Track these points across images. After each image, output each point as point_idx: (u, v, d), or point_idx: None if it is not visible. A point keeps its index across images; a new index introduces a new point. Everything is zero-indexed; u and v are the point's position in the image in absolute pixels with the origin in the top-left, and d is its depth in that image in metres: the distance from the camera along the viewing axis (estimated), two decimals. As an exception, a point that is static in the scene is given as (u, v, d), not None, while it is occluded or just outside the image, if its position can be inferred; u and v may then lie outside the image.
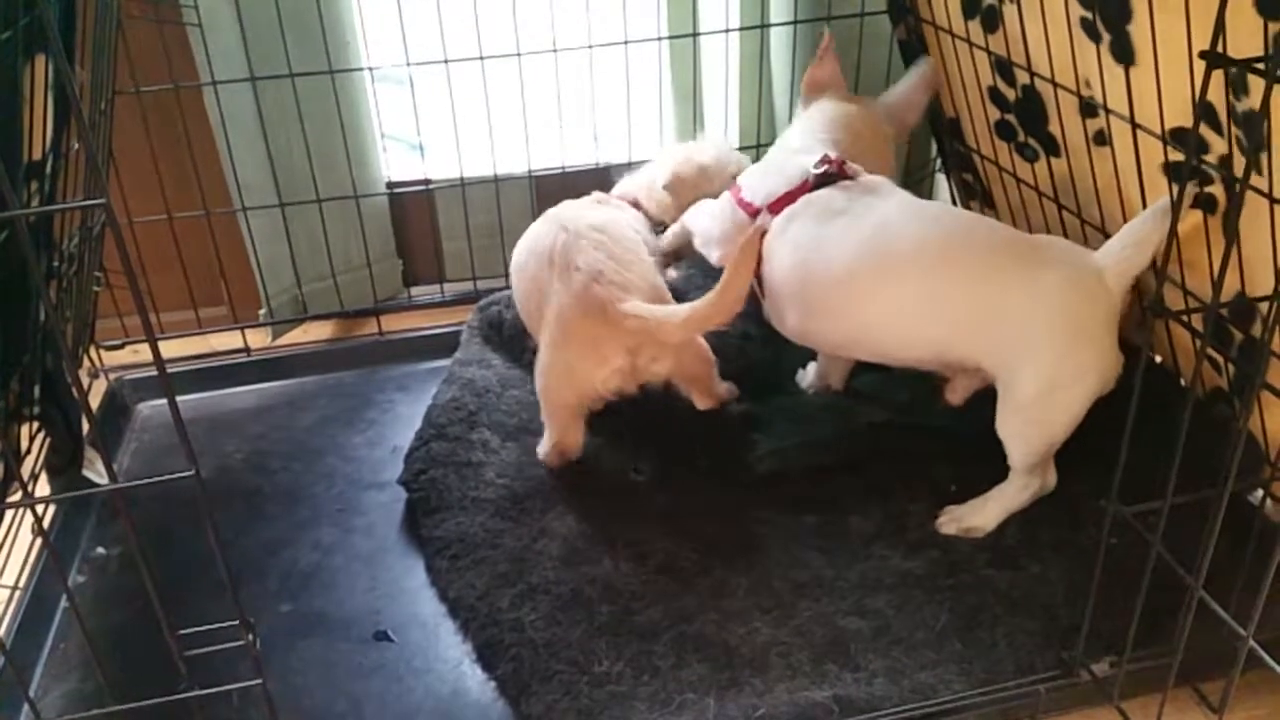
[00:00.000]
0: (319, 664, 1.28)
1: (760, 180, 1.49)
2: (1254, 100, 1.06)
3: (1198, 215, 1.24)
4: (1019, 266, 1.28)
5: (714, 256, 1.56)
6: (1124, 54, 1.22)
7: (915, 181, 2.22)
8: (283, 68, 1.79)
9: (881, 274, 1.33)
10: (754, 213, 1.46)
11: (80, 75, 1.37)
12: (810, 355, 1.67)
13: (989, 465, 1.40)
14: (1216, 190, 1.23)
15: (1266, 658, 0.91)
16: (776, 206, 1.43)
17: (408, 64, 1.84)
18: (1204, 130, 1.15)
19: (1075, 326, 1.25)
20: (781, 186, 1.44)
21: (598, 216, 1.52)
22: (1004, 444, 1.34)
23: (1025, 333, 1.26)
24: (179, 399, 1.88)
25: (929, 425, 1.54)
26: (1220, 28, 0.74)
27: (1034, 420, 1.30)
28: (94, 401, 1.73)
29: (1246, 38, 0.99)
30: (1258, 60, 0.76)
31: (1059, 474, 1.39)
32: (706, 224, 1.58)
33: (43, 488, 1.48)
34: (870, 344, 1.41)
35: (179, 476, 0.73)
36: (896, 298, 1.32)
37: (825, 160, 1.42)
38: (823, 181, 1.41)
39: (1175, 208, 0.88)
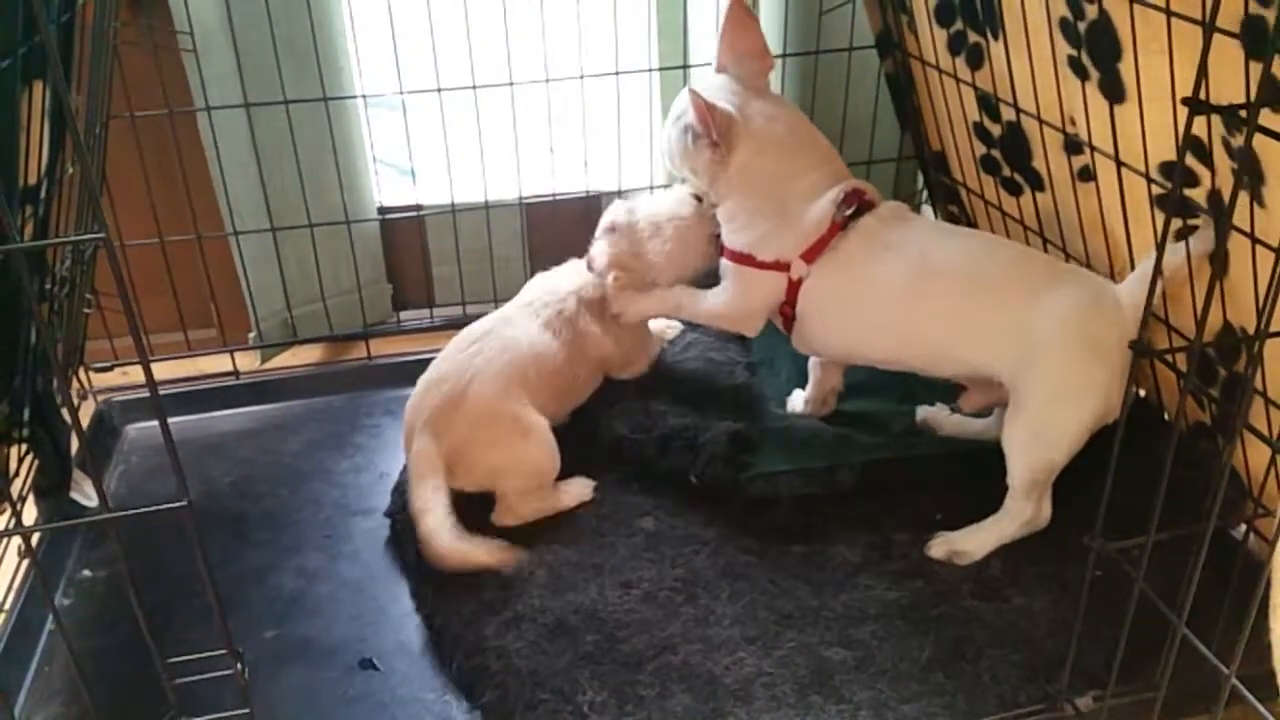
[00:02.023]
0: (303, 692, 1.27)
1: (763, 235, 1.45)
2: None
3: (1183, 251, 1.26)
4: (1044, 283, 1.34)
5: (754, 329, 1.55)
6: (1113, 91, 1.24)
7: (902, 213, 2.25)
8: (277, 93, 1.80)
9: (925, 297, 1.38)
10: (785, 267, 1.44)
11: (75, 100, 1.38)
12: (799, 381, 1.68)
13: (974, 496, 1.42)
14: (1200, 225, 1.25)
15: (1249, 696, 0.92)
16: (811, 255, 1.42)
17: (401, 91, 1.86)
18: (1193, 163, 1.17)
19: (1088, 340, 1.30)
20: (804, 236, 1.43)
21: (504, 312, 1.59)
22: (1007, 458, 1.36)
23: (1039, 340, 1.31)
24: (169, 421, 1.88)
25: (915, 455, 1.54)
26: (1203, 75, 0.76)
27: (1037, 431, 1.33)
28: (82, 423, 1.73)
29: (1230, 76, 1.00)
30: (1239, 107, 0.77)
31: (1043, 506, 1.41)
32: (735, 302, 1.51)
33: (29, 509, 1.48)
34: (911, 359, 1.46)
35: (171, 506, 0.73)
36: (936, 317, 1.38)
37: (849, 199, 1.42)
38: (851, 218, 1.42)
39: (1161, 242, 0.89)
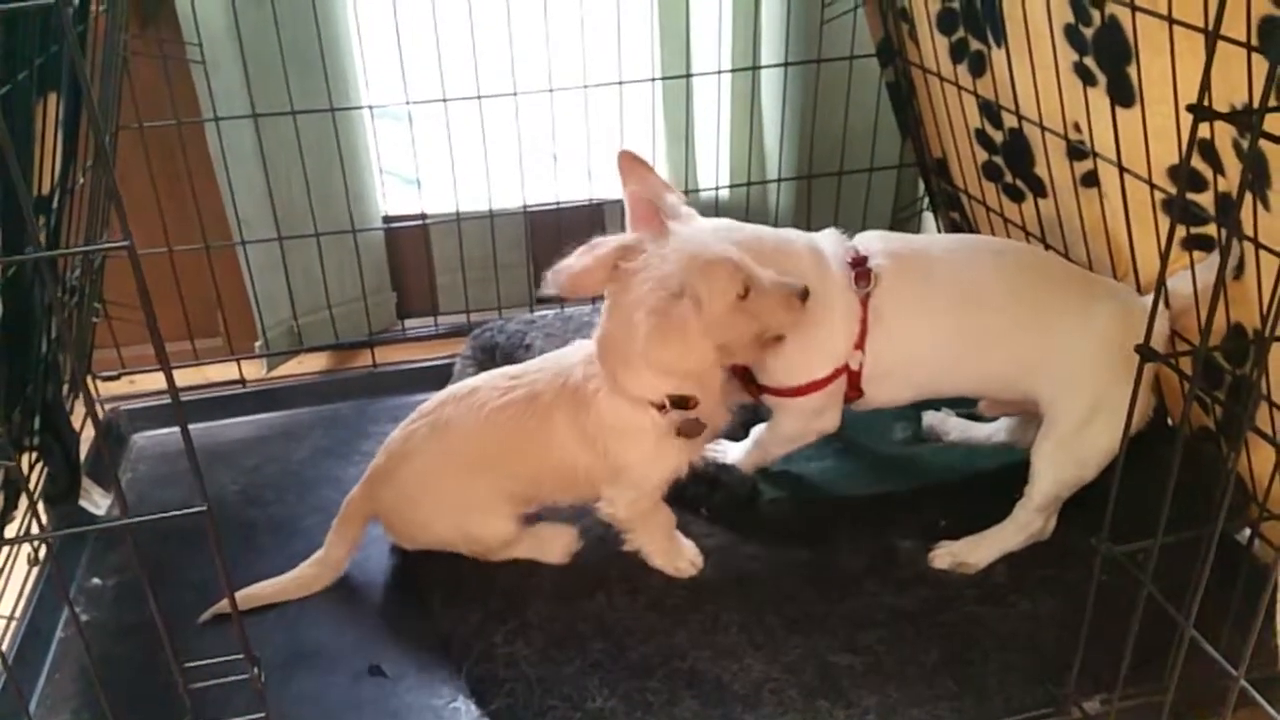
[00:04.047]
0: (313, 698, 1.28)
1: (808, 355, 1.37)
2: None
3: (1185, 257, 1.27)
4: (1081, 300, 1.34)
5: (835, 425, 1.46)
6: (1121, 95, 1.24)
7: (903, 220, 2.26)
8: (284, 104, 1.81)
9: (975, 332, 1.36)
10: (844, 368, 1.38)
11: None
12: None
13: (979, 503, 1.43)
14: (1210, 230, 1.26)
15: (1258, 697, 0.92)
16: (860, 343, 1.37)
17: (407, 102, 1.87)
18: (1201, 166, 1.18)
19: (1123, 356, 1.29)
20: (846, 331, 1.36)
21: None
22: (1035, 473, 1.36)
23: (1083, 359, 1.31)
24: (175, 430, 1.88)
25: (916, 488, 1.55)
26: (1207, 82, 0.77)
27: (1074, 449, 1.33)
28: (90, 432, 1.74)
29: (1240, 75, 1.01)
30: (1245, 113, 0.78)
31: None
32: (812, 424, 1.45)
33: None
34: (970, 388, 1.45)
35: (190, 512, 0.74)
36: (987, 348, 1.36)
37: (860, 277, 1.36)
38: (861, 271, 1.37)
39: (1167, 246, 0.90)
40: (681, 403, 1.27)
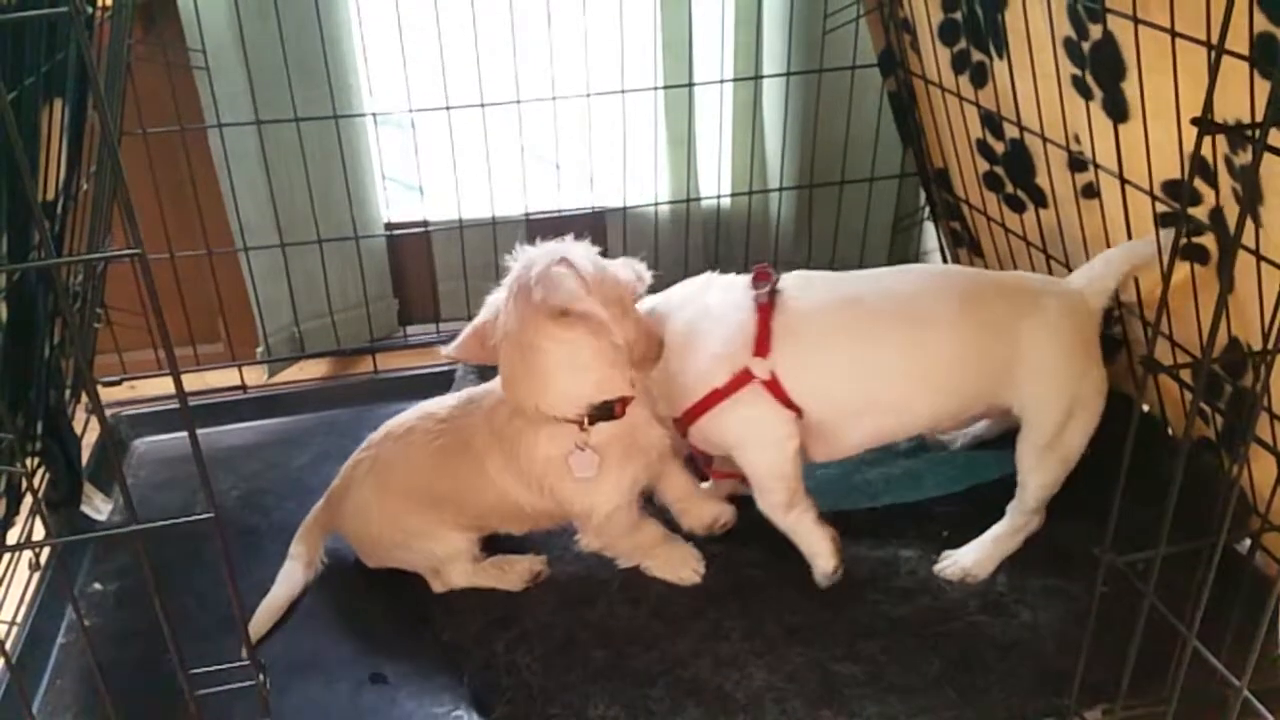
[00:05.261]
0: (315, 705, 1.28)
1: (704, 358, 1.33)
2: (1250, 155, 1.09)
3: (1186, 267, 1.28)
4: (1025, 300, 1.33)
5: (794, 484, 1.37)
6: (1116, 110, 1.25)
7: (904, 229, 2.26)
8: (287, 111, 1.82)
9: (915, 344, 1.32)
10: (748, 375, 1.31)
11: (92, 116, 1.39)
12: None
13: (980, 514, 1.42)
14: (1206, 241, 1.26)
15: (1261, 708, 0.92)
16: (761, 349, 1.31)
17: (410, 109, 1.87)
18: (1197, 182, 1.18)
19: (1083, 345, 1.32)
20: (739, 333, 1.31)
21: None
22: (1024, 478, 1.37)
23: (1045, 359, 1.31)
24: (176, 436, 1.89)
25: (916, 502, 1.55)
26: (1211, 96, 0.77)
27: (1057, 448, 1.34)
28: (90, 438, 1.73)
29: (1236, 91, 1.01)
30: (1248, 127, 0.78)
31: (1047, 522, 1.41)
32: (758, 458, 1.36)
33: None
34: (934, 418, 1.39)
35: (198, 518, 0.74)
36: (924, 353, 1.32)
37: (760, 276, 1.33)
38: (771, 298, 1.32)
39: (1170, 261, 0.90)
40: (605, 412, 1.27)
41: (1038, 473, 1.35)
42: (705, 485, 1.53)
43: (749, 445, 1.35)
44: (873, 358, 1.32)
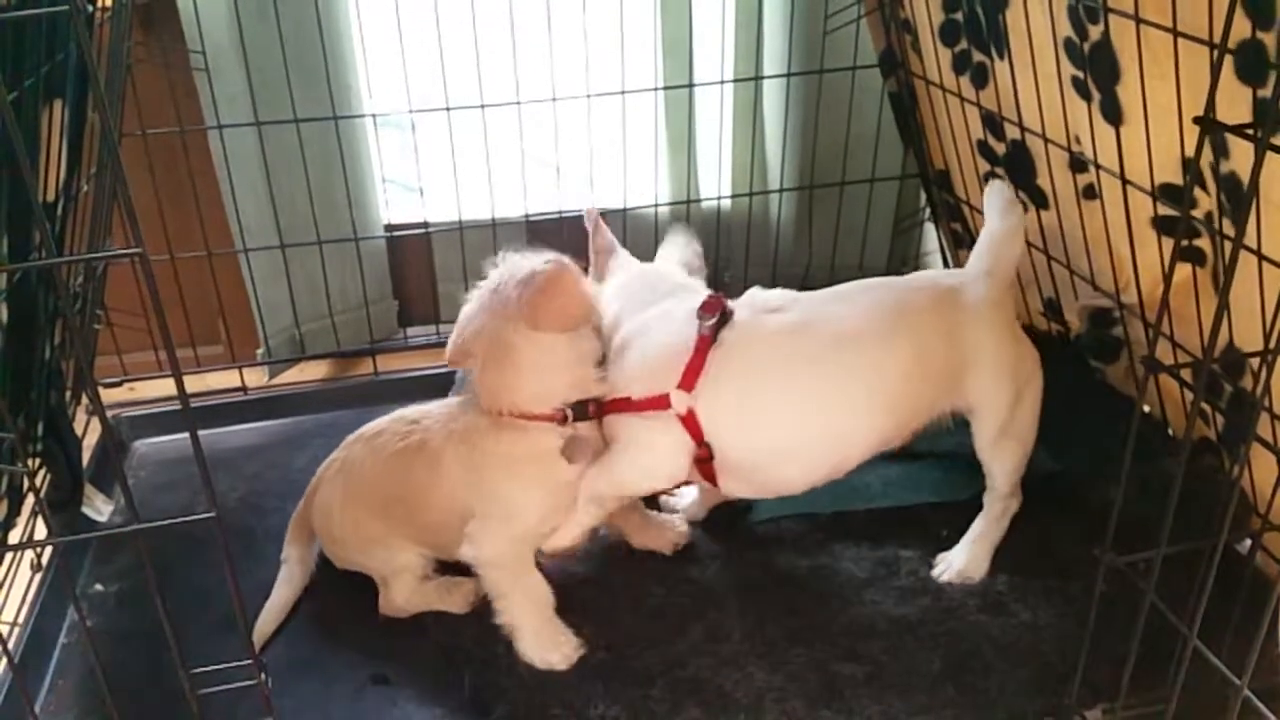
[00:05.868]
0: (316, 706, 1.28)
1: (632, 367, 1.31)
2: (1234, 163, 1.10)
3: (1185, 269, 1.28)
4: (952, 300, 1.32)
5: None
6: (1113, 114, 1.25)
7: (904, 230, 2.26)
8: (287, 112, 1.82)
9: (856, 367, 1.28)
10: (664, 402, 1.28)
11: (93, 118, 1.39)
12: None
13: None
14: (1203, 244, 1.26)
15: (1262, 707, 0.92)
16: (688, 382, 1.27)
17: (410, 110, 1.88)
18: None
19: (1010, 326, 1.35)
20: (671, 361, 1.28)
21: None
22: (990, 469, 1.37)
23: (986, 350, 1.31)
24: (176, 437, 1.89)
25: (916, 504, 1.55)
26: (1213, 96, 0.77)
27: (1015, 433, 1.35)
28: (91, 439, 1.74)
29: (1225, 102, 1.02)
30: (1247, 126, 0.79)
31: (1044, 522, 1.43)
32: (630, 460, 1.32)
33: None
34: (854, 454, 1.33)
35: (199, 518, 0.74)
36: (882, 382, 1.28)
37: (708, 306, 1.30)
38: (718, 328, 1.29)
39: (1171, 262, 0.90)
40: (581, 411, 1.28)
41: (1000, 460, 1.36)
42: (692, 498, 1.53)
43: (629, 455, 1.31)
44: (809, 393, 1.28)
